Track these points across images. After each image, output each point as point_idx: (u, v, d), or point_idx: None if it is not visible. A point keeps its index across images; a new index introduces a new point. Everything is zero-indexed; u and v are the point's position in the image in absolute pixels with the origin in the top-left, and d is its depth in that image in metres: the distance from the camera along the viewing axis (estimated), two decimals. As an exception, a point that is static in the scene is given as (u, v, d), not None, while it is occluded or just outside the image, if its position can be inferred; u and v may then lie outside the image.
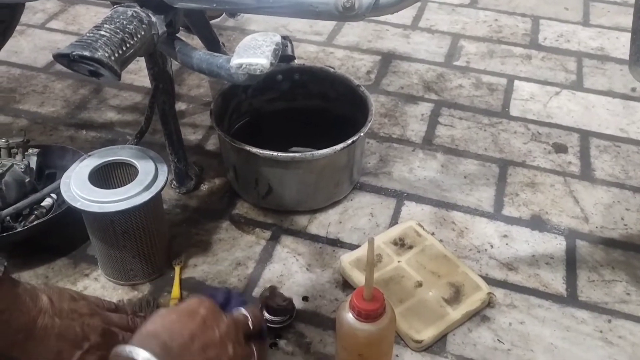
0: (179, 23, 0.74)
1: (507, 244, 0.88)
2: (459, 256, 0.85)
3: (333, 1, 0.66)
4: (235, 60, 0.61)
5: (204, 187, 0.97)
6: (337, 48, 1.32)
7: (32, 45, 1.30)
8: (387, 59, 1.28)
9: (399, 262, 0.81)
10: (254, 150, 0.85)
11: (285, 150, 0.96)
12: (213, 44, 1.06)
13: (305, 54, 1.29)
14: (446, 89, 1.19)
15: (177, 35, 0.76)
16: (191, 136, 1.07)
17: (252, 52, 0.60)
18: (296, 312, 0.77)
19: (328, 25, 1.38)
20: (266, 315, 0.76)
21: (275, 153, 0.85)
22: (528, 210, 0.94)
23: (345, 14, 0.67)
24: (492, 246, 0.88)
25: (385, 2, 0.66)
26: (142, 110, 1.12)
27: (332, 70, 1.02)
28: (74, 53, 0.58)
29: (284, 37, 0.89)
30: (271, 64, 0.60)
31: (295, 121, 1.04)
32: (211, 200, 0.95)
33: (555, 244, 0.88)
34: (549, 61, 1.28)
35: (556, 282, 0.83)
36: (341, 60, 1.28)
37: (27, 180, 0.87)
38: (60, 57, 0.60)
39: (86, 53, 0.58)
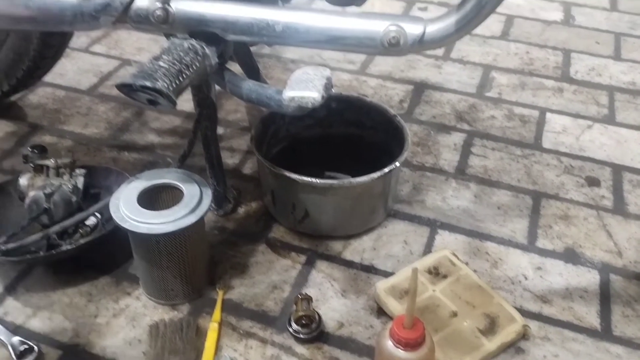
0: (229, 54, 0.77)
1: (541, 276, 0.89)
2: (493, 287, 0.86)
3: (379, 37, 0.69)
4: (288, 93, 0.64)
5: (241, 210, 1.00)
6: (370, 77, 1.35)
7: (76, 67, 1.35)
8: (420, 89, 1.30)
9: (433, 290, 0.82)
10: (293, 176, 0.87)
11: (320, 176, 0.99)
12: (253, 71, 1.10)
13: (339, 82, 1.32)
14: (478, 119, 1.21)
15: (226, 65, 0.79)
16: (229, 160, 1.10)
17: (304, 86, 0.63)
18: (323, 326, 0.79)
19: (361, 54, 1.41)
20: (293, 326, 0.78)
21: (313, 179, 0.87)
22: (562, 243, 0.94)
23: (391, 50, 0.69)
24: (526, 278, 0.88)
25: (429, 39, 0.68)
26: (181, 134, 1.16)
27: (368, 99, 1.04)
28: (136, 83, 0.61)
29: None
30: (322, 97, 0.62)
31: (330, 147, 1.06)
32: (248, 223, 0.98)
33: (589, 278, 0.89)
34: (581, 94, 1.29)
35: (590, 316, 0.83)
36: (374, 89, 1.31)
37: (73, 199, 0.90)
38: (123, 87, 0.63)
39: (148, 84, 0.61)
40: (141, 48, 1.43)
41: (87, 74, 1.33)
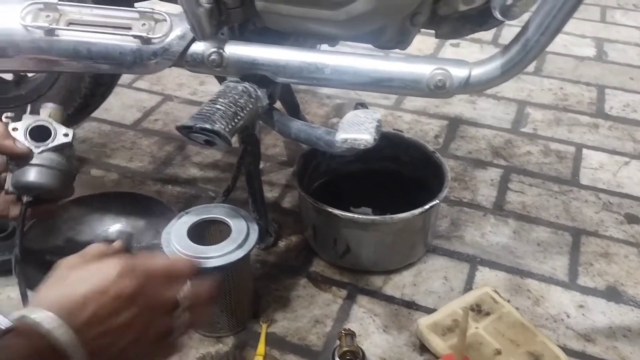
0: (277, 95, 0.80)
1: (583, 314, 0.88)
2: (536, 325, 0.85)
3: (425, 80, 0.71)
4: (340, 135, 0.66)
5: (282, 244, 1.02)
6: (405, 112, 1.37)
7: (120, 103, 1.40)
8: (455, 124, 1.32)
9: (476, 328, 0.83)
10: (335, 211, 0.89)
11: (358, 210, 1.00)
12: (294, 108, 1.13)
13: (375, 117, 1.34)
14: (515, 155, 1.22)
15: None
16: (268, 193, 1.12)
17: (357, 128, 0.65)
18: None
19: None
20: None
21: (355, 215, 0.89)
22: (603, 280, 0.94)
23: (436, 92, 0.71)
24: (568, 316, 0.88)
25: (474, 81, 0.70)
26: (222, 168, 1.19)
27: (406, 136, 1.06)
28: (196, 126, 0.65)
29: (361, 104, 0.95)
30: (374, 139, 0.65)
31: (369, 182, 1.08)
32: (289, 257, 0.99)
33: (632, 317, 0.88)
34: (616, 130, 1.30)
35: (635, 355, 0.82)
36: (409, 124, 1.33)
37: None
38: (182, 128, 0.67)
39: (207, 126, 0.64)
40: (182, 84, 1.48)
41: (131, 109, 1.38)
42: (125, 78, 1.50)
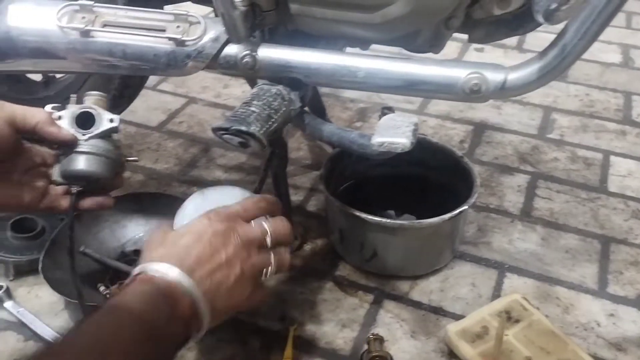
0: (308, 97, 0.80)
1: (614, 323, 0.87)
2: (566, 333, 0.84)
3: (460, 84, 0.71)
4: (377, 139, 0.66)
5: (307, 247, 1.01)
6: (429, 117, 1.36)
7: (145, 105, 1.41)
8: (480, 129, 1.31)
9: (506, 335, 0.82)
10: (363, 215, 0.89)
11: (384, 214, 1.00)
12: (320, 111, 1.13)
13: (399, 122, 1.34)
14: (541, 161, 1.21)
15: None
16: (293, 197, 1.12)
17: (393, 132, 0.65)
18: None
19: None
20: None
21: (384, 220, 0.88)
22: (633, 289, 0.93)
23: (471, 96, 0.71)
24: (599, 324, 0.87)
25: (511, 86, 0.70)
26: (247, 170, 1.20)
27: (434, 140, 1.06)
28: (232, 127, 0.65)
29: (388, 108, 0.95)
30: (411, 143, 0.65)
31: (395, 186, 1.08)
32: (314, 261, 0.99)
33: (664, 327, 0.87)
34: (645, 138, 1.28)
35: (668, 366, 0.81)
36: (434, 129, 1.32)
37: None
38: (218, 130, 0.67)
39: (243, 128, 0.64)
40: (206, 87, 1.48)
41: (156, 111, 1.39)
42: (150, 80, 1.50)
